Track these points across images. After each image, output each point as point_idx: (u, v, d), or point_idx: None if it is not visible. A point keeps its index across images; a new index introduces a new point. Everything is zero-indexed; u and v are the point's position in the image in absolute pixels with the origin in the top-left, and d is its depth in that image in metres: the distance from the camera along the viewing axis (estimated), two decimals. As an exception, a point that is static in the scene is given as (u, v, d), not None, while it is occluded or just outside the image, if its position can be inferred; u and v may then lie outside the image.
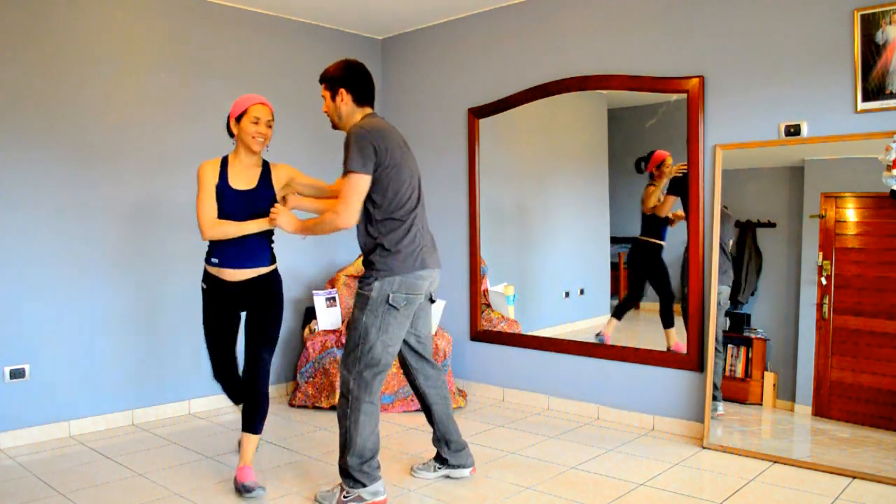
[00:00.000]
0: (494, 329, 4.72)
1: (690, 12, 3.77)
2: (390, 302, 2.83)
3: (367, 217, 2.89)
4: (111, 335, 4.07)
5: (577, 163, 4.90)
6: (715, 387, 3.67)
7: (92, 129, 3.98)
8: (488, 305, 4.87)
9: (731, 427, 3.65)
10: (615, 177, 4.54)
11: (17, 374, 3.76)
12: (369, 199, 2.84)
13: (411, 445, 3.73)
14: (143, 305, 4.19)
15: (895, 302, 3.26)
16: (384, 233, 2.85)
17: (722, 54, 3.67)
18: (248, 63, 4.61)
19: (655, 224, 4.18)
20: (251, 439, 3.10)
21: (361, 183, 2.77)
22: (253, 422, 3.09)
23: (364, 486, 2.87)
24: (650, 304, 4.58)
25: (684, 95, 3.77)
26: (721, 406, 3.70)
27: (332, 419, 4.16)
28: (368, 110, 2.94)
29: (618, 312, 4.29)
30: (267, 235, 3.17)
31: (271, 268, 3.20)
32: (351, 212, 2.78)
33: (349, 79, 2.90)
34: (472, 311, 4.81)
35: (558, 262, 4.90)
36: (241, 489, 3.02)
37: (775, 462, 3.36)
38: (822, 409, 3.47)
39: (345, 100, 2.89)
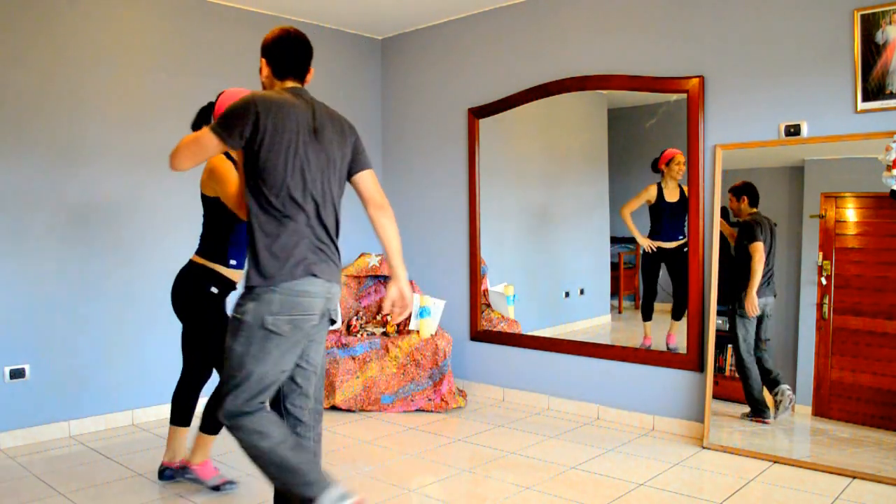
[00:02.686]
0: (494, 329, 4.72)
1: (690, 12, 3.77)
2: (268, 326, 2.31)
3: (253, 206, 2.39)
4: (111, 335, 4.07)
5: (577, 163, 4.90)
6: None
7: (92, 129, 3.98)
8: (488, 305, 4.86)
9: (732, 427, 3.64)
10: (615, 177, 4.54)
11: (17, 374, 3.75)
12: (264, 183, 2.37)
13: (411, 445, 3.73)
14: (144, 305, 4.18)
15: (895, 302, 3.26)
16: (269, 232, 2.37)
17: (722, 54, 3.67)
18: (247, 63, 4.59)
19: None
20: (212, 439, 3.16)
21: (208, 140, 2.34)
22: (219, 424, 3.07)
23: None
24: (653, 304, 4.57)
25: (684, 95, 3.77)
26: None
27: (330, 419, 4.16)
28: (290, 84, 2.51)
29: None
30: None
31: None
32: (179, 155, 2.40)
33: (270, 50, 2.51)
34: (472, 311, 4.81)
35: (558, 262, 4.90)
36: (222, 487, 3.11)
37: (775, 462, 3.36)
38: (822, 409, 3.47)
39: (264, 71, 2.52)
